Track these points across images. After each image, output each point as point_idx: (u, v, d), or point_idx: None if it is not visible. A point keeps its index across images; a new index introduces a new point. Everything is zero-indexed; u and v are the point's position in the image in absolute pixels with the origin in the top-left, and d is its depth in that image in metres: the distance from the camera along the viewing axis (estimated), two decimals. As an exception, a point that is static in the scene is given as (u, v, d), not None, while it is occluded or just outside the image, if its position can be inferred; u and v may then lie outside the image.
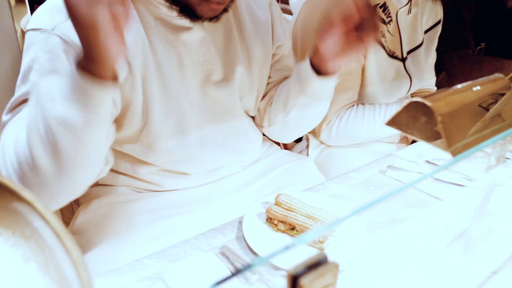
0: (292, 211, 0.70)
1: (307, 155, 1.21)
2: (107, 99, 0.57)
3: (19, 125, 0.60)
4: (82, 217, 0.81)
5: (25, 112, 0.61)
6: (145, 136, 0.78)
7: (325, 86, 0.82)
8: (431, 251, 0.68)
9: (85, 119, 0.56)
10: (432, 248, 0.69)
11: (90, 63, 0.53)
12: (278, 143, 1.24)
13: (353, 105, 1.15)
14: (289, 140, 1.04)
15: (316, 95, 0.84)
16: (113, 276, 0.60)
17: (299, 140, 1.29)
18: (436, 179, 0.87)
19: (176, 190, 0.87)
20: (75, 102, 0.55)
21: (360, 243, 0.68)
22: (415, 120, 0.48)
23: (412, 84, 1.19)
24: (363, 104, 1.16)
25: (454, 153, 0.43)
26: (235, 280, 0.60)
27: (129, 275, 0.60)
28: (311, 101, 0.86)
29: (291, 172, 0.98)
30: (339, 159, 1.17)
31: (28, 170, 0.59)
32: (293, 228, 0.70)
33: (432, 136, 0.47)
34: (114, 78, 0.57)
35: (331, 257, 0.30)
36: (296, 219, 0.68)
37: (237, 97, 0.88)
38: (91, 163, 0.64)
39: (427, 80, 1.36)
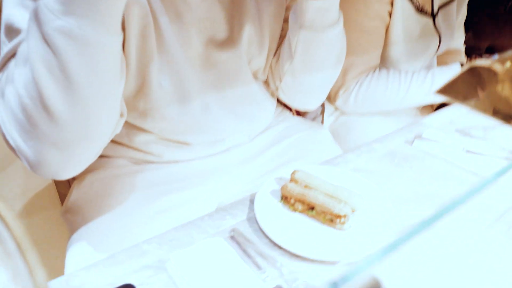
0: (310, 189, 0.62)
1: (322, 122, 1.12)
2: (115, 6, 0.50)
3: (16, 68, 0.52)
4: (76, 193, 0.73)
5: (21, 49, 0.51)
6: (142, 100, 0.69)
7: (321, 10, 0.71)
8: (468, 234, 0.60)
9: (92, 26, 0.48)
10: (470, 230, 0.61)
11: None
12: (290, 109, 1.14)
13: (375, 70, 1.04)
14: (303, 104, 0.94)
15: (314, 24, 0.73)
16: (108, 265, 0.53)
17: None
18: (468, 151, 0.78)
19: (177, 162, 0.78)
20: (80, 10, 0.48)
21: (385, 227, 0.60)
22: (475, 90, 0.38)
23: (442, 43, 1.06)
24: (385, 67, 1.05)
25: (530, 132, 0.34)
26: (246, 268, 0.53)
27: (126, 263, 0.53)
28: (312, 36, 0.74)
29: (302, 142, 0.89)
30: (356, 128, 1.07)
31: (37, 111, 0.50)
32: (312, 208, 0.62)
33: (496, 110, 0.38)
34: None
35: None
36: (316, 199, 0.60)
37: (244, 59, 0.77)
38: (105, 94, 0.54)
39: (456, 40, 1.23)
